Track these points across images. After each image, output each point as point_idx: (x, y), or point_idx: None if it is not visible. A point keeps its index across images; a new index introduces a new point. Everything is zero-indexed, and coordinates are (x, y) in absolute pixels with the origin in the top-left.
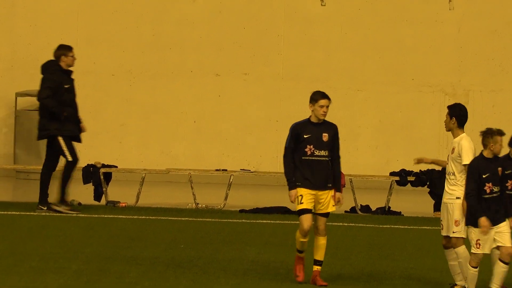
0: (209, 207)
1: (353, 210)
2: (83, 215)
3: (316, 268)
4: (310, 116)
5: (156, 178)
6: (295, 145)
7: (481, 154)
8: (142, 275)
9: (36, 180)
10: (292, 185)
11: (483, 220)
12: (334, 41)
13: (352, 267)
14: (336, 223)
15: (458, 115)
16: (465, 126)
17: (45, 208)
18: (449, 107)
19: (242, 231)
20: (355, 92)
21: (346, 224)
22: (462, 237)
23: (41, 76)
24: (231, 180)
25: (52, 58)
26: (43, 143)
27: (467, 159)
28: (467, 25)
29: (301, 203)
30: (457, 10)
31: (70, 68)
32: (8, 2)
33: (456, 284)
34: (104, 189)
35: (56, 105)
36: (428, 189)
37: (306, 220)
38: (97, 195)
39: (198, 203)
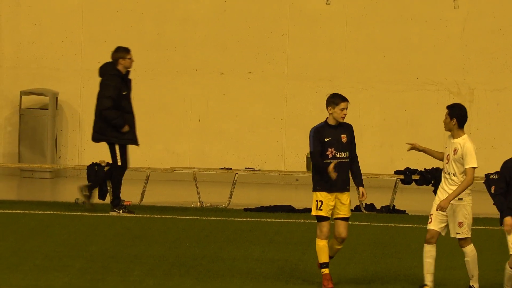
0: (213, 205)
1: (357, 208)
2: (88, 214)
3: (325, 271)
4: (327, 119)
5: (161, 176)
6: (321, 148)
7: None
8: (147, 274)
9: (40, 178)
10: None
11: (507, 219)
12: (338, 40)
13: (356, 266)
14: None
15: (458, 115)
16: (470, 124)
17: (121, 212)
18: (448, 107)
19: (247, 230)
20: (360, 90)
21: (350, 223)
22: (467, 237)
23: (99, 78)
24: (235, 179)
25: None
26: (47, 141)
27: (473, 162)
28: (472, 23)
29: (320, 209)
30: (462, 9)
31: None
32: (13, 1)
33: (426, 285)
34: (108, 187)
35: (117, 116)
36: (433, 188)
37: (326, 225)
38: (102, 194)
39: (202, 202)
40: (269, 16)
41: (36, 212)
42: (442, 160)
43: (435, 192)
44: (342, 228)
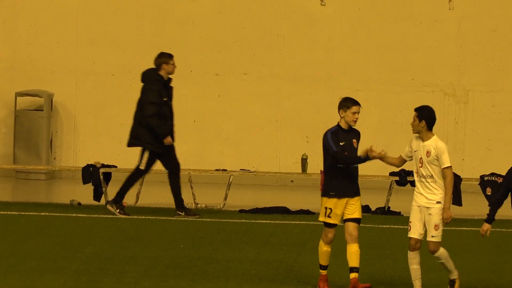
0: (208, 207)
1: None
2: (83, 215)
3: (354, 275)
4: (339, 123)
5: (156, 178)
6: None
7: None
8: (142, 275)
9: (36, 180)
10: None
11: (485, 225)
12: (334, 41)
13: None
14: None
15: (427, 117)
16: (465, 126)
17: (183, 214)
18: (417, 109)
19: (242, 231)
20: (355, 91)
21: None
22: (439, 241)
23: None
24: (230, 180)
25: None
26: (42, 143)
27: (448, 161)
28: (467, 24)
29: (328, 217)
30: (457, 10)
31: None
32: (8, 2)
33: None
34: (103, 189)
35: (161, 125)
36: None
37: (332, 232)
38: (97, 195)
39: (197, 203)
40: (265, 17)
41: (32, 213)
42: (396, 165)
43: None
44: (351, 228)
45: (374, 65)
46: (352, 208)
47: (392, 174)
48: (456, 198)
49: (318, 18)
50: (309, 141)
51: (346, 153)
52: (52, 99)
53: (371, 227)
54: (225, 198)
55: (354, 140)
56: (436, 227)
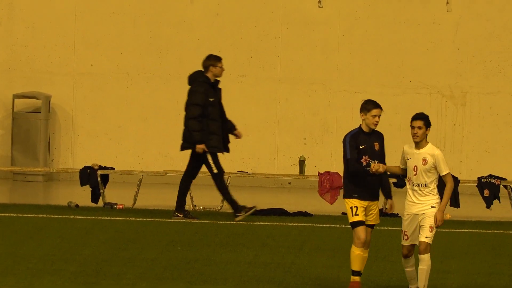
0: (206, 209)
1: None
2: (80, 217)
3: (356, 279)
4: (361, 125)
5: (154, 180)
6: (357, 155)
7: None
8: (139, 277)
9: (33, 182)
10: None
11: None
12: (331, 43)
13: (349, 270)
14: (333, 225)
15: (430, 125)
16: (462, 128)
17: (181, 215)
18: (423, 118)
19: (239, 233)
20: (353, 94)
21: (343, 226)
22: (430, 244)
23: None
24: (228, 182)
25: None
26: (40, 145)
27: (447, 168)
28: (465, 27)
29: (356, 214)
30: (455, 12)
31: (218, 78)
32: (6, 4)
33: None
34: (101, 191)
35: (199, 130)
36: None
37: (363, 231)
38: (95, 197)
39: (195, 205)
40: (262, 20)
41: (29, 215)
42: (402, 174)
43: None
44: (367, 234)
45: (371, 67)
46: (372, 213)
47: (389, 176)
48: (454, 200)
49: (316, 20)
50: (307, 143)
51: (365, 157)
52: (49, 101)
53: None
54: (223, 200)
55: (376, 143)
56: (431, 228)
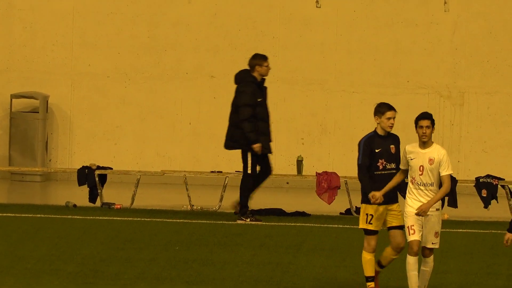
0: (204, 208)
1: (348, 212)
2: (78, 217)
3: (371, 285)
4: (376, 129)
5: (151, 179)
6: (369, 161)
7: None
8: (138, 277)
9: (31, 182)
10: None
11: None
12: (329, 43)
13: (347, 270)
14: (331, 225)
15: (434, 125)
16: (460, 128)
17: (248, 220)
18: (428, 117)
19: (237, 233)
20: (351, 94)
21: (341, 226)
22: (435, 248)
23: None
24: (226, 182)
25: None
26: (38, 144)
27: (450, 169)
28: (462, 26)
29: (370, 223)
30: (452, 12)
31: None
32: (4, 4)
33: None
34: (99, 190)
35: (253, 130)
36: None
37: (374, 239)
38: (92, 197)
39: (193, 205)
40: (260, 20)
41: (27, 215)
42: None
43: None
44: (400, 238)
45: (369, 67)
46: (393, 215)
47: None
48: (452, 200)
49: (313, 20)
50: (305, 143)
51: (381, 161)
52: (47, 101)
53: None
54: (221, 200)
55: (392, 146)
56: (436, 234)
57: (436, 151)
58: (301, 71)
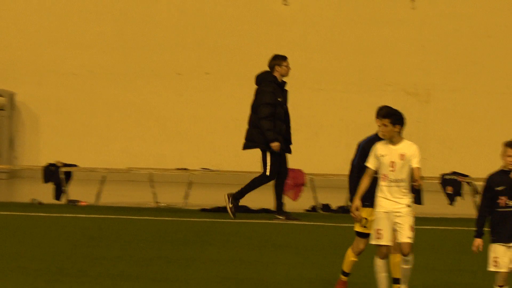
0: (169, 206)
1: (313, 209)
2: (44, 214)
3: (344, 278)
4: (377, 132)
5: (117, 177)
6: (363, 163)
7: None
8: (102, 275)
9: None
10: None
11: (476, 241)
12: (296, 41)
13: (312, 266)
14: (296, 222)
15: (402, 121)
16: (426, 125)
17: (284, 218)
18: (388, 115)
19: (203, 230)
20: (317, 91)
21: (306, 223)
22: (412, 243)
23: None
24: (191, 179)
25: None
26: (4, 142)
27: (419, 162)
28: (429, 24)
29: (365, 227)
30: (419, 10)
31: (284, 79)
32: None
33: None
34: (64, 188)
35: (271, 129)
36: None
37: (364, 242)
38: (58, 194)
39: (158, 202)
40: (227, 17)
41: None
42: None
43: None
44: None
45: (336, 65)
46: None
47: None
48: (417, 197)
49: (281, 18)
50: None
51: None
52: (14, 98)
53: (332, 226)
54: (186, 197)
55: None
56: (411, 228)
57: (407, 147)
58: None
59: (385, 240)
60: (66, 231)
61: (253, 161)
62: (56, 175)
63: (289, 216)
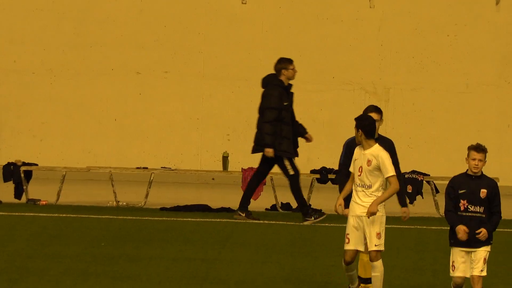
0: (130, 205)
1: (273, 207)
2: (3, 213)
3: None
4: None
5: (77, 176)
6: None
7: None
8: (63, 273)
9: None
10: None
11: (460, 227)
12: (255, 40)
13: (273, 265)
14: (256, 221)
15: (363, 126)
16: (386, 124)
17: (243, 215)
18: (356, 119)
19: (163, 229)
20: None
21: (267, 222)
22: (381, 250)
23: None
24: (152, 178)
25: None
26: None
27: (392, 170)
28: (388, 23)
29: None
30: (378, 8)
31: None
32: None
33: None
34: (24, 187)
35: (270, 133)
36: None
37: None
38: (18, 193)
39: (119, 201)
40: (186, 16)
41: None
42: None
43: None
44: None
45: (295, 63)
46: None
47: (313, 172)
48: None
49: (239, 16)
50: (230, 139)
51: None
52: None
53: (293, 224)
54: (146, 196)
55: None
56: (378, 235)
57: (374, 153)
58: (227, 68)
59: (351, 245)
60: (27, 230)
61: (212, 160)
62: (16, 174)
63: (249, 214)
